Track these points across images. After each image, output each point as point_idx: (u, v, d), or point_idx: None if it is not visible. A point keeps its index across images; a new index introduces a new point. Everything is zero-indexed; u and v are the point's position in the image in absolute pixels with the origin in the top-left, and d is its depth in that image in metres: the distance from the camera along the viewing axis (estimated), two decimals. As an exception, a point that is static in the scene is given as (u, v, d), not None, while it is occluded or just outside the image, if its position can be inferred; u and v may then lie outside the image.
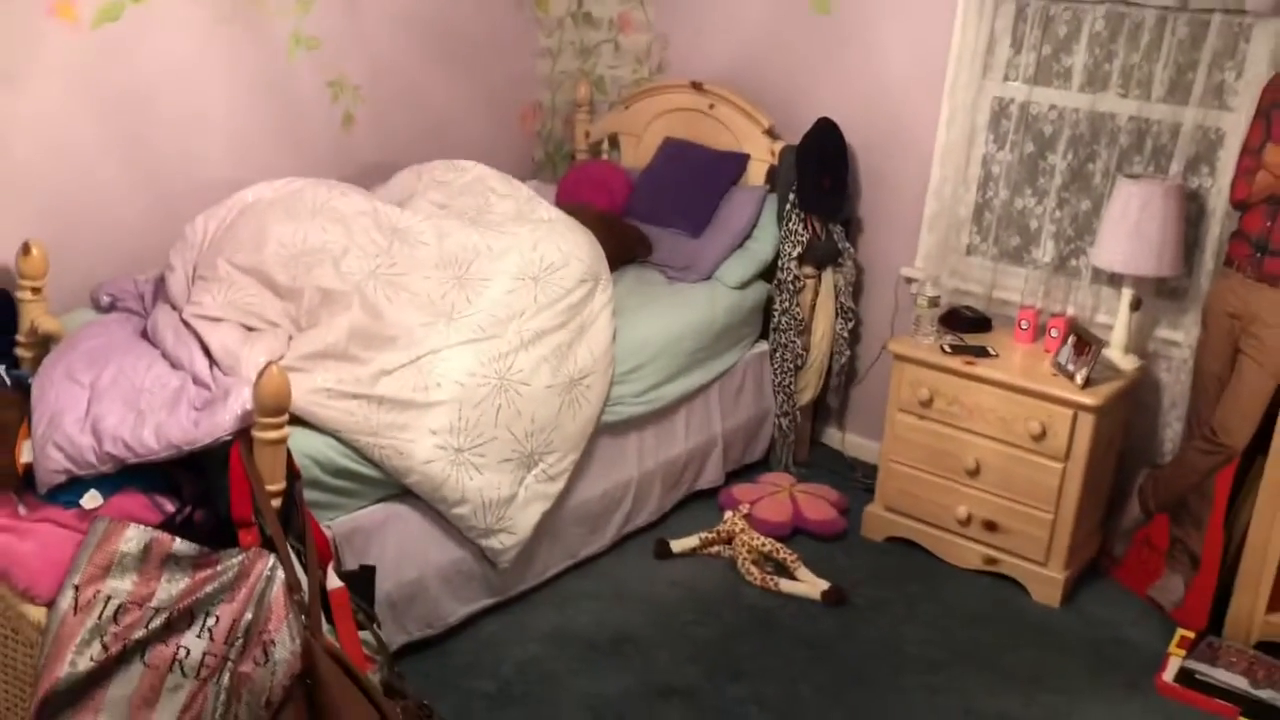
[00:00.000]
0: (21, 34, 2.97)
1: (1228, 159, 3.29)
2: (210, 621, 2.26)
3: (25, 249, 2.90)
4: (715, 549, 3.47)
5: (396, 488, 2.78)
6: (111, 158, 3.24)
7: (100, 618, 2.24)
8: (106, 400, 2.52)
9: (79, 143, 3.16)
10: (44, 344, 2.93)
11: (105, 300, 3.10)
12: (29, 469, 2.47)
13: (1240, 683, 2.92)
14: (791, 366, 3.95)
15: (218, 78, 3.44)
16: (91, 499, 2.43)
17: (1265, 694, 2.88)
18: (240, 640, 2.24)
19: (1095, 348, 3.22)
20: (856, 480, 3.97)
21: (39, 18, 3.00)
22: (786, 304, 3.88)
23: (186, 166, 3.41)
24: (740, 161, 4.04)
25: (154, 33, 3.25)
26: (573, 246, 3.25)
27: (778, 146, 3.98)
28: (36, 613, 2.29)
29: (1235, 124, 3.27)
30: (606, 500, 3.36)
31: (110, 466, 2.43)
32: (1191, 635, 3.13)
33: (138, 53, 3.23)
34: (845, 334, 4.01)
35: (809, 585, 3.30)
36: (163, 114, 3.34)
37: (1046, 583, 3.35)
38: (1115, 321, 3.42)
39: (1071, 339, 3.31)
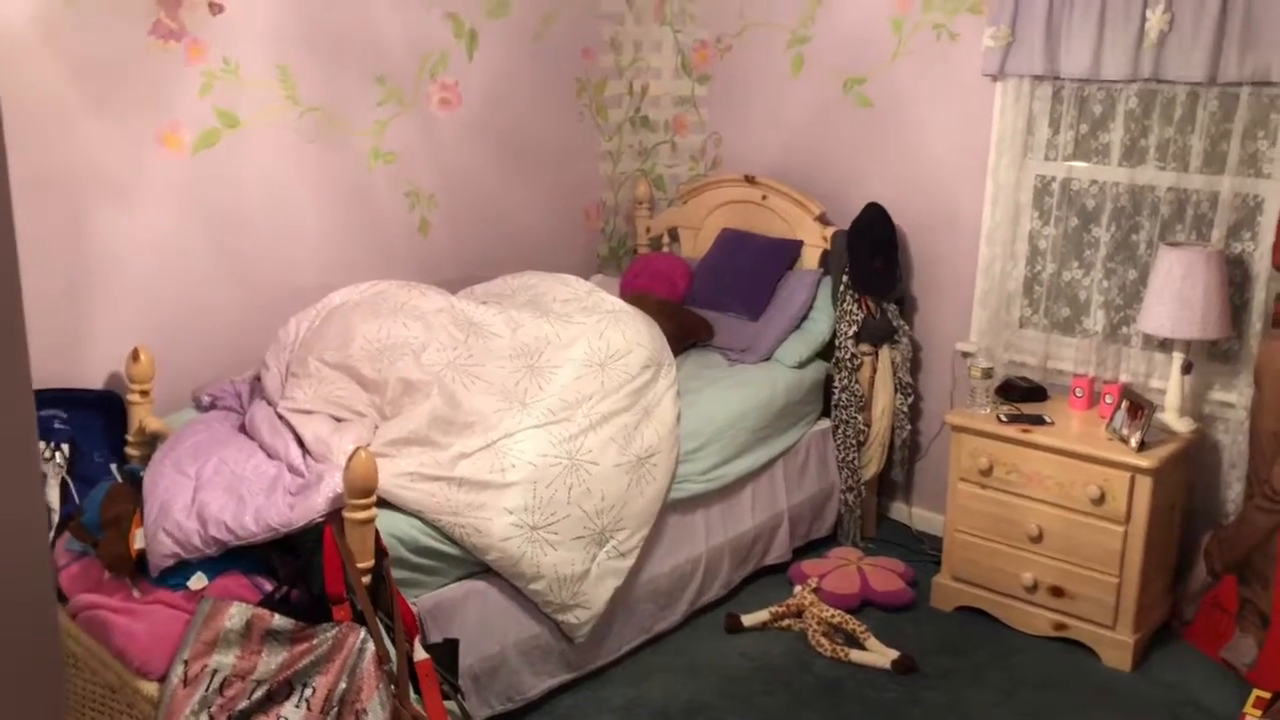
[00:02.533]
0: (134, 160, 3.28)
1: (1268, 224, 3.38)
2: (308, 692, 2.42)
3: (135, 355, 3.17)
4: (786, 622, 3.56)
5: (477, 565, 2.94)
6: (211, 268, 3.52)
7: (207, 690, 2.42)
8: (210, 489, 2.74)
9: (182, 256, 3.45)
10: (151, 442, 3.18)
11: (205, 400, 3.35)
12: (141, 555, 2.68)
13: (1317, 741, 2.91)
14: (854, 442, 4.06)
15: (306, 192, 3.73)
16: (198, 580, 2.62)
17: (1343, 751, 2.87)
18: (335, 710, 2.40)
19: (1149, 411, 3.29)
20: (923, 552, 4.04)
21: (149, 146, 3.31)
22: (846, 381, 4.01)
23: (279, 273, 3.68)
24: (794, 247, 4.22)
25: (248, 155, 3.55)
26: (635, 334, 3.44)
27: (829, 232, 4.16)
28: (150, 688, 2.48)
29: (1272, 190, 3.37)
30: (677, 576, 3.48)
31: (214, 550, 2.63)
32: (1267, 696, 3.11)
33: (234, 173, 3.53)
34: (905, 409, 4.12)
35: (879, 655, 3.37)
36: (257, 227, 3.62)
37: (1116, 646, 3.37)
38: (1168, 386, 3.50)
39: (1125, 404, 3.39)
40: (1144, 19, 3.41)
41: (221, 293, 3.56)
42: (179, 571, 2.65)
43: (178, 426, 3.16)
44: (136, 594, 2.65)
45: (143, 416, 3.20)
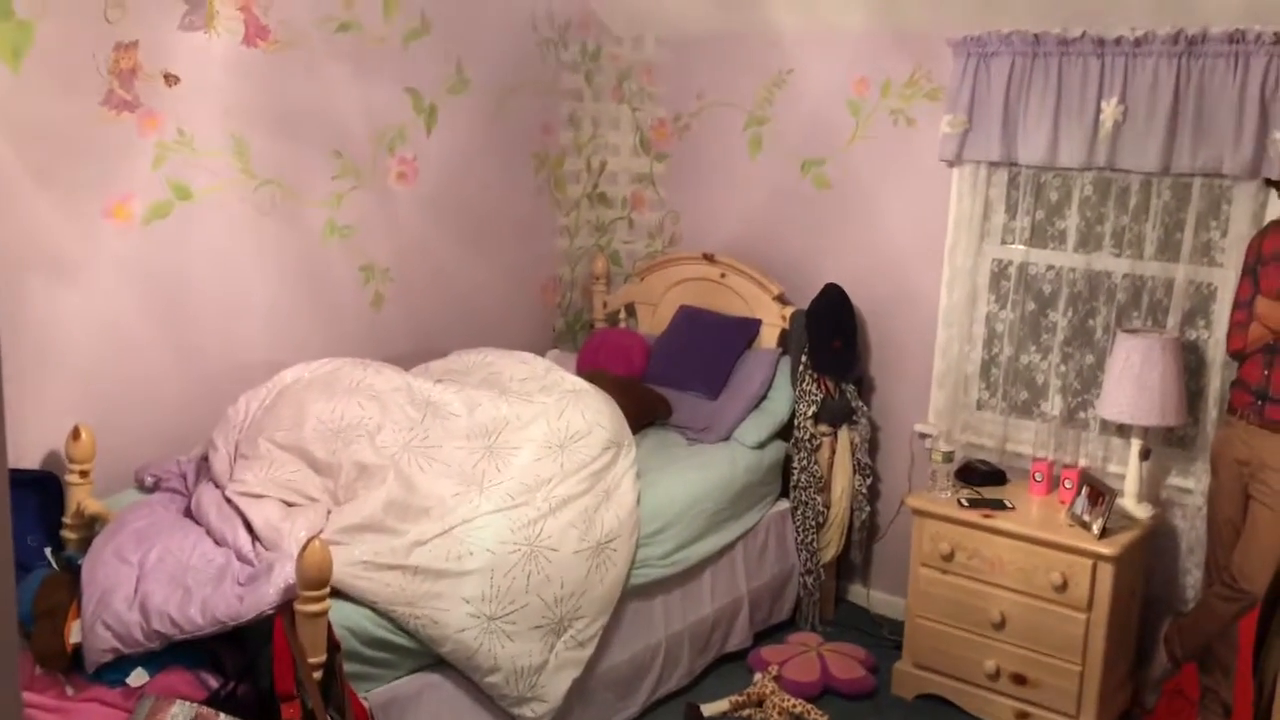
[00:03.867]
0: (80, 233, 3.17)
1: (1221, 311, 3.44)
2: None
3: (75, 433, 3.04)
4: (746, 713, 3.47)
5: (431, 658, 2.83)
6: (157, 344, 3.41)
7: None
8: (153, 578, 2.61)
9: (128, 331, 3.33)
10: (90, 525, 3.04)
11: (149, 481, 3.22)
12: (77, 649, 2.54)
13: (1284, 834, 2.88)
14: (813, 524, 4.02)
15: (258, 266, 3.64)
16: (138, 676, 2.49)
17: (1310, 846, 2.84)
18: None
19: (1109, 497, 3.30)
20: (884, 637, 3.98)
21: (96, 219, 3.21)
22: (805, 462, 3.98)
23: (228, 349, 3.58)
24: (753, 326, 4.21)
25: (200, 227, 3.46)
26: (596, 414, 3.39)
27: (788, 311, 4.15)
28: (84, 792, 2.34)
29: (1225, 278, 3.43)
30: (636, 664, 3.39)
31: (157, 643, 2.50)
32: (1231, 786, 3.10)
33: (184, 246, 3.43)
34: (864, 490, 4.10)
35: (841, 746, 3.30)
36: (207, 301, 3.52)
37: (1080, 736, 3.34)
38: (1126, 471, 3.51)
39: (1085, 489, 3.39)
40: (1099, 109, 3.48)
41: (167, 369, 3.44)
42: (117, 667, 2.51)
43: (119, 509, 3.02)
44: (70, 691, 2.51)
45: (81, 498, 3.06)
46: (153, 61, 3.26)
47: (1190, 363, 3.48)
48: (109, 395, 3.32)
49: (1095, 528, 3.28)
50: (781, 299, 4.21)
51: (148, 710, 2.37)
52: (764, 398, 4.07)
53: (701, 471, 3.71)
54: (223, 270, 3.56)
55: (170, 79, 3.31)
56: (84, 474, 3.06)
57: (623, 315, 4.68)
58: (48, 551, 2.98)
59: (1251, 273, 3.20)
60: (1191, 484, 3.52)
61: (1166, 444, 3.58)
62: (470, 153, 4.28)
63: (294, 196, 3.71)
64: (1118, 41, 3.42)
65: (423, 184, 4.12)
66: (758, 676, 3.54)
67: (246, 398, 3.27)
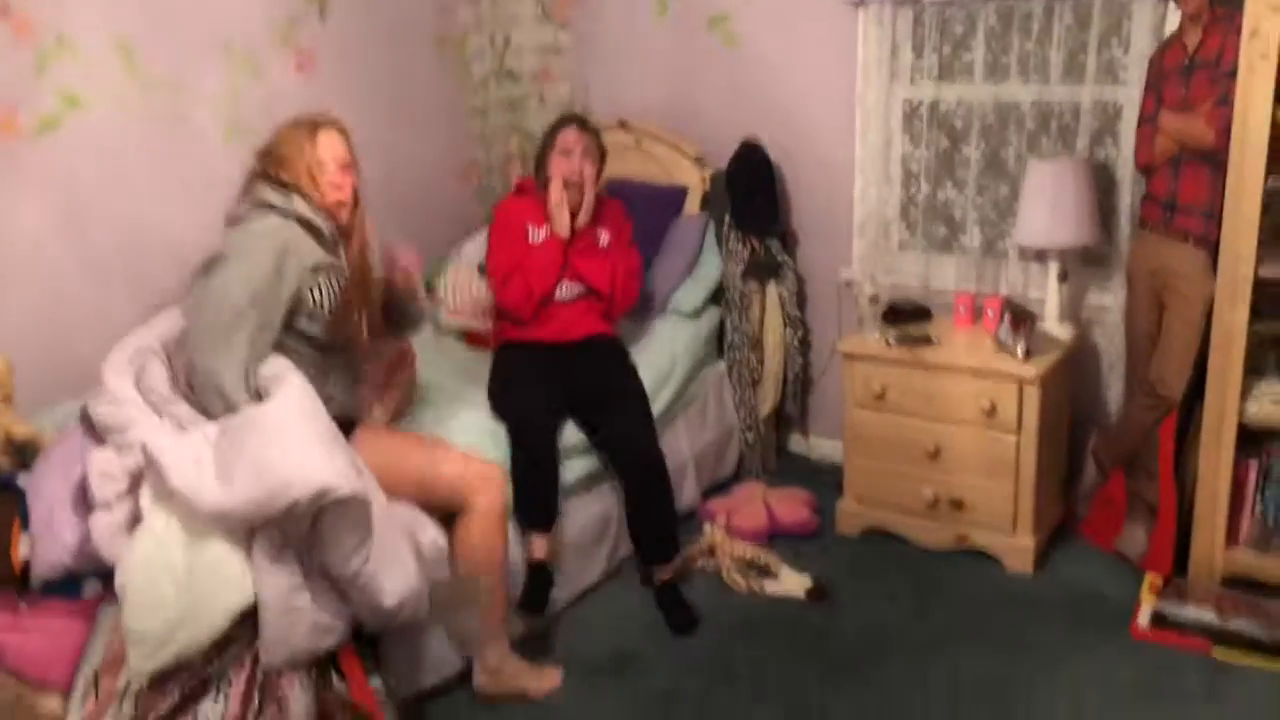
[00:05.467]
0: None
1: (1127, 129, 3.50)
2: (225, 688, 2.33)
3: (-10, 359, 2.96)
4: (699, 563, 3.57)
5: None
6: (62, 260, 3.32)
7: (121, 705, 2.30)
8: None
9: (28, 248, 3.23)
10: (21, 451, 2.98)
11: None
12: (26, 567, 2.53)
13: (1209, 617, 3.06)
14: (749, 381, 4.08)
15: (158, 172, 3.53)
16: (92, 588, 2.49)
17: (1234, 625, 3.03)
18: (257, 701, 2.32)
19: (1030, 321, 3.39)
20: (824, 480, 4.10)
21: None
22: (737, 321, 4.02)
23: (137, 260, 3.49)
24: (679, 194, 4.20)
25: (94, 136, 3.34)
26: None
27: (708, 173, 4.14)
28: (53, 703, 2.35)
29: (1130, 96, 3.47)
30: (592, 534, 3.45)
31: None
32: (1160, 580, 3.27)
33: (80, 156, 3.32)
34: (796, 343, 4.16)
35: (792, 584, 3.42)
36: (108, 213, 3.42)
37: (1018, 552, 3.49)
38: (1046, 295, 3.60)
39: (1008, 316, 3.48)
40: (997, -64, 3.46)
41: (76, 286, 3.35)
42: (70, 581, 2.50)
43: (48, 429, 2.97)
44: (24, 607, 2.50)
45: (6, 424, 2.99)
46: (19, -37, 3.10)
47: (1101, 182, 3.55)
48: (22, 317, 3.23)
49: (1019, 351, 3.38)
50: (700, 161, 4.19)
51: (113, 619, 2.38)
52: (695, 263, 4.08)
53: (646, 371, 3.63)
54: (123, 180, 3.45)
55: (41, -20, 3.15)
56: (6, 399, 2.99)
57: (543, 193, 4.62)
58: (-20, 479, 2.94)
59: (1154, 88, 3.25)
60: (1109, 300, 3.63)
61: (1084, 264, 3.67)
62: (367, 39, 4.15)
63: (188, 96, 3.58)
64: None
65: (322, 74, 4.00)
66: (707, 528, 3.64)
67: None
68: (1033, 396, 3.36)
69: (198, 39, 3.59)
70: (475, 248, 4.24)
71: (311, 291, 2.71)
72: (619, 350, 3.59)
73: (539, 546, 3.16)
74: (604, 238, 3.59)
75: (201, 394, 2.59)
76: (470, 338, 3.98)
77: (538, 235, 3.54)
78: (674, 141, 4.23)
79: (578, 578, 3.42)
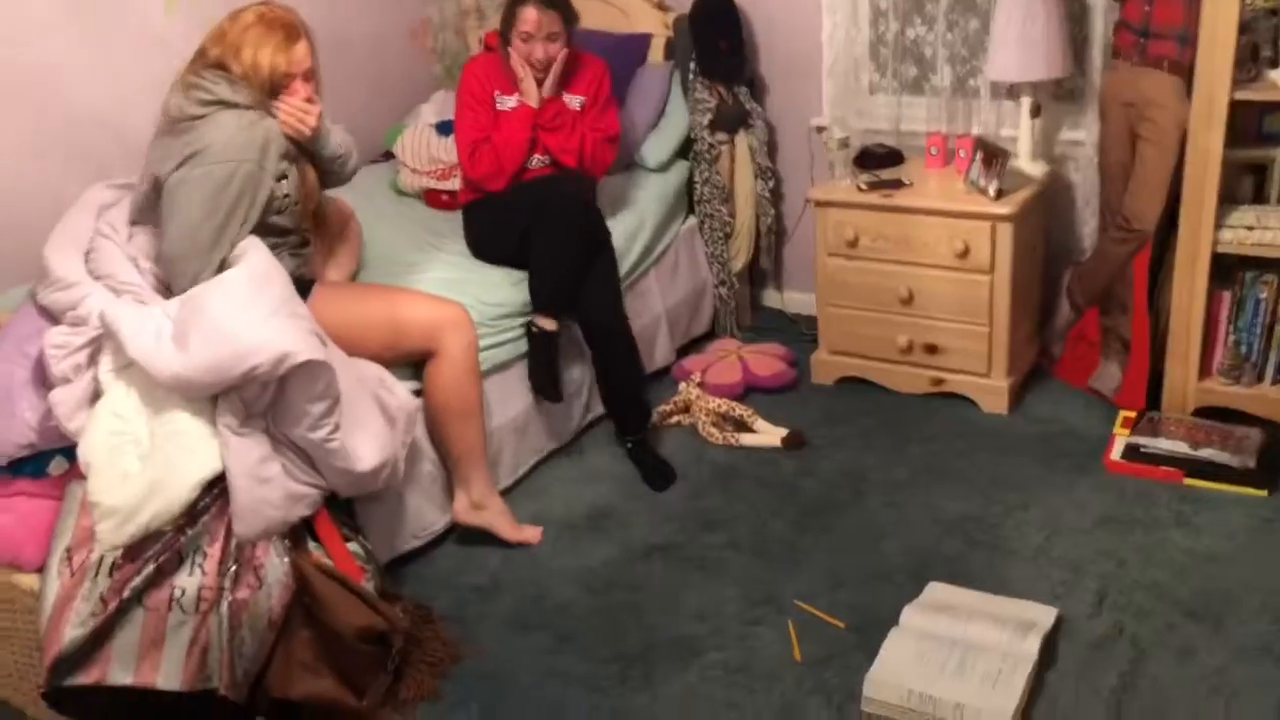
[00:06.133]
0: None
1: (1100, -44, 3.37)
2: (199, 559, 2.33)
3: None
4: (675, 419, 3.58)
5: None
6: (10, 134, 3.20)
7: (95, 578, 2.30)
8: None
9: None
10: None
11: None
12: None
13: (1181, 448, 3.09)
14: (721, 235, 4.02)
15: (96, 41, 3.39)
16: (58, 465, 2.46)
17: (1205, 453, 3.05)
18: (232, 569, 2.32)
19: (1002, 159, 3.32)
20: (800, 333, 4.08)
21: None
22: (706, 174, 3.94)
23: (80, 132, 3.37)
24: (643, 42, 4.06)
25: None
26: None
27: (670, 19, 4.00)
28: (29, 580, 2.35)
29: (1103, -82, 3.34)
30: (567, 394, 3.43)
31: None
32: (1133, 415, 3.29)
33: (12, 25, 3.17)
34: (767, 194, 4.09)
35: (768, 435, 3.42)
36: (47, 83, 3.28)
37: (992, 392, 3.49)
38: (1019, 132, 3.52)
39: (979, 155, 3.41)
40: None
41: (18, 164, 3.24)
42: (34, 460, 2.48)
43: (2, 311, 2.91)
44: (-8, 489, 2.48)
45: (-38, 305, 2.94)
46: None
47: (1073, 11, 3.43)
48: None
49: (991, 190, 3.32)
50: (662, 6, 4.05)
51: (81, 497, 2.36)
52: (661, 115, 3.97)
53: (615, 228, 3.50)
54: (60, 51, 3.30)
55: None
56: (-43, 280, 2.93)
57: (501, 50, 4.46)
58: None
59: (1128, -93, 3.12)
60: (1083, 135, 3.56)
61: (1056, 99, 3.59)
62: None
63: (121, -41, 3.41)
64: None
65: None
66: (682, 385, 3.63)
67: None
68: (1005, 236, 3.31)
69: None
70: (432, 109, 4.12)
71: (281, 183, 2.65)
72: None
73: (547, 321, 3.15)
74: (576, 101, 3.46)
75: (173, 283, 2.53)
76: (430, 198, 3.89)
77: (506, 103, 3.40)
78: (634, -13, 4.07)
79: (551, 438, 3.42)
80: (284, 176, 2.68)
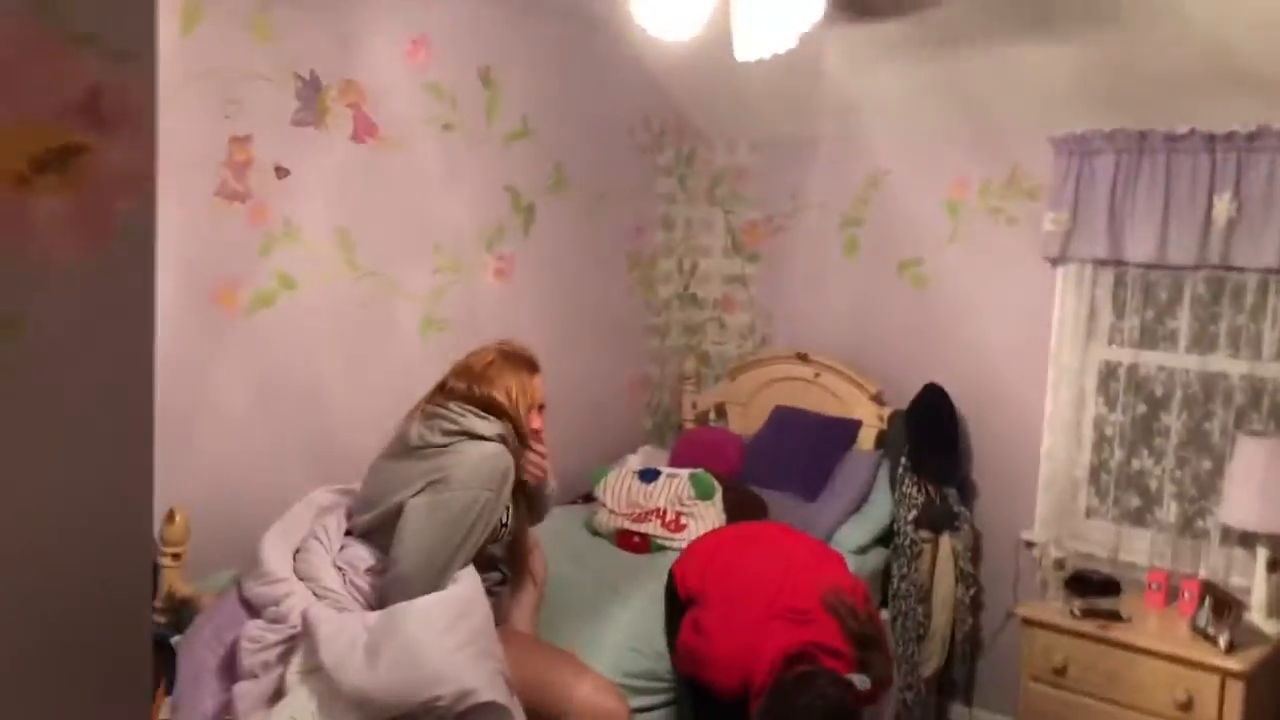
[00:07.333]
0: (186, 319, 3.23)
1: (1350, 414, 3.26)
2: None
3: (169, 516, 3.03)
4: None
5: None
6: (254, 431, 3.42)
7: None
8: (247, 660, 2.55)
9: (225, 416, 3.35)
10: (179, 609, 3.00)
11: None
12: (164, 730, 2.49)
13: None
14: (914, 635, 3.83)
15: (358, 357, 3.67)
16: (222, 761, 2.42)
17: None
18: None
19: (1237, 609, 3.10)
20: (989, 759, 3.76)
21: (203, 304, 3.27)
22: (905, 569, 3.82)
23: (322, 440, 3.58)
24: (852, 427, 4.11)
25: (303, 317, 3.50)
26: None
27: (885, 412, 4.05)
28: None
29: (1353, 380, 3.26)
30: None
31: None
32: None
33: (287, 334, 3.47)
34: (967, 600, 3.92)
35: None
36: (305, 391, 3.54)
37: None
38: (1252, 583, 3.30)
39: (1209, 601, 3.19)
40: (1210, 205, 3.38)
41: (262, 456, 3.44)
42: (205, 751, 2.44)
43: (208, 592, 2.99)
44: (154, 775, 2.44)
45: (173, 581, 3.03)
46: (265, 154, 3.36)
47: (1316, 458, 3.29)
48: (205, 479, 3.32)
49: (1222, 642, 3.07)
50: (879, 399, 4.12)
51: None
52: (864, 501, 3.95)
53: None
54: (319, 360, 3.59)
55: (281, 171, 3.40)
56: (176, 556, 3.04)
57: (712, 416, 4.61)
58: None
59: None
60: (1327, 597, 3.30)
61: (1295, 554, 3.37)
62: (565, 252, 4.32)
63: (394, 289, 3.76)
64: (1229, 137, 3.35)
65: (518, 281, 4.15)
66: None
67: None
68: (1236, 694, 3.03)
69: (411, 237, 3.79)
70: (638, 459, 4.22)
71: (504, 514, 2.74)
72: None
73: None
74: None
75: (399, 599, 2.55)
76: (621, 540, 3.89)
77: None
78: (854, 377, 4.18)
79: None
80: (508, 509, 2.74)
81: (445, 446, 2.67)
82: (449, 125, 3.85)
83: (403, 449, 2.76)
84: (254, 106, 3.32)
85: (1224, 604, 3.14)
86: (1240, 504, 3.22)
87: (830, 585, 2.79)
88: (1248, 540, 3.37)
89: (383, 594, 2.59)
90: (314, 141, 3.49)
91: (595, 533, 4.01)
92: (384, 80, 3.65)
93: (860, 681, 2.58)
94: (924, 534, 3.85)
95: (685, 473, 3.96)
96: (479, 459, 2.64)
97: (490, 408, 2.75)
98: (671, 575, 3.11)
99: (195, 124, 3.19)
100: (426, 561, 2.55)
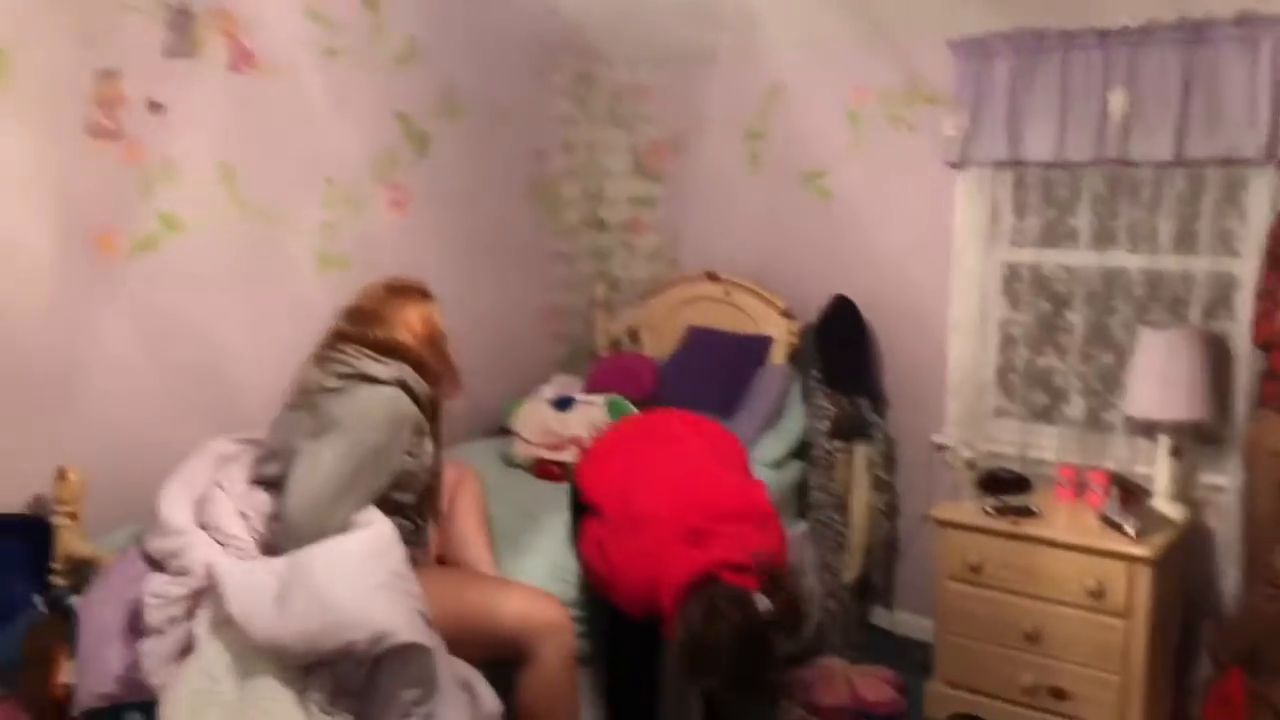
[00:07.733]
0: (64, 266, 3.06)
1: (1244, 302, 3.33)
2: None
3: (61, 474, 2.90)
4: (774, 740, 3.32)
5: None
6: (143, 381, 3.28)
7: None
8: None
9: (112, 368, 3.20)
10: (80, 570, 2.89)
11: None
12: (70, 693, 2.39)
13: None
14: (833, 545, 3.88)
15: (249, 299, 3.52)
16: (134, 720, 2.34)
17: None
18: None
19: (1142, 497, 3.18)
20: (911, 659, 3.83)
21: (81, 251, 3.10)
22: (821, 480, 3.85)
23: (218, 387, 3.45)
24: (764, 343, 4.10)
25: (189, 259, 3.35)
26: None
27: (796, 326, 4.05)
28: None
29: (1246, 269, 3.33)
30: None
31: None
32: (1288, 796, 2.94)
33: (173, 278, 3.32)
34: (883, 507, 3.97)
35: (877, 771, 3.14)
36: (196, 335, 3.40)
37: (1126, 750, 3.18)
38: (1155, 471, 3.39)
39: (1116, 491, 3.27)
40: (1105, 101, 3.40)
41: (157, 408, 3.31)
42: (110, 713, 2.36)
43: (108, 551, 2.88)
44: (63, 739, 2.36)
45: (70, 541, 2.91)
46: (136, 89, 3.17)
47: (1216, 356, 3.37)
48: (97, 434, 3.18)
49: (1130, 529, 3.15)
50: (789, 314, 4.11)
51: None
52: (778, 415, 3.95)
53: None
54: (211, 304, 3.45)
55: (155, 107, 3.22)
56: (72, 516, 2.91)
57: (626, 341, 4.56)
58: (36, 598, 2.84)
59: (1274, 261, 3.11)
60: (1224, 481, 3.40)
61: (1195, 442, 3.46)
62: (463, 180, 4.19)
63: (284, 225, 3.61)
64: (1120, 32, 3.35)
65: (415, 212, 4.03)
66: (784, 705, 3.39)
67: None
68: (1145, 579, 3.12)
69: (300, 170, 3.64)
70: (551, 388, 4.17)
71: (408, 457, 2.64)
72: None
73: None
74: None
75: (285, 546, 2.47)
76: (540, 469, 3.85)
77: None
78: (763, 294, 4.16)
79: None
80: (412, 452, 2.65)
81: (337, 390, 2.58)
82: (331, 50, 3.69)
83: (300, 397, 2.67)
84: (122, 38, 3.12)
85: (1130, 493, 3.22)
86: (1142, 395, 3.29)
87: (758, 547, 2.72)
88: (1151, 430, 3.45)
89: (273, 543, 2.51)
90: (189, 74, 3.31)
91: (512, 464, 3.97)
92: (259, 6, 3.46)
93: (761, 602, 2.57)
94: (838, 444, 3.88)
95: (601, 399, 3.92)
96: (370, 402, 2.56)
97: (390, 350, 2.65)
98: (573, 478, 3.11)
99: (59, 59, 2.99)
100: (310, 506, 2.46)
